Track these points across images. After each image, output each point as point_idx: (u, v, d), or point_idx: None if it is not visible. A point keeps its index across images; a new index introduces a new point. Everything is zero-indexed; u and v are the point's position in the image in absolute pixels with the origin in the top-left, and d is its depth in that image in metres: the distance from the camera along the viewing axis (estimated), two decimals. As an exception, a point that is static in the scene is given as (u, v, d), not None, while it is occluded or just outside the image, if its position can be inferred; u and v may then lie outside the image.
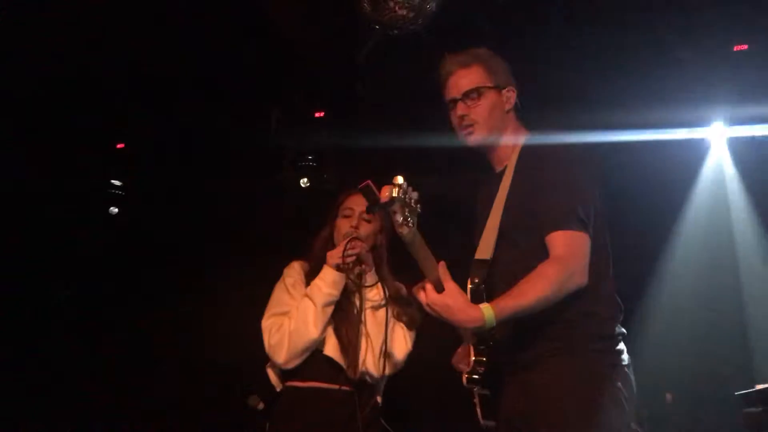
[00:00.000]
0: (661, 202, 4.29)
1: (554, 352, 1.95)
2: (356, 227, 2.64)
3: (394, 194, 1.70)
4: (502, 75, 2.20)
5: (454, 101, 2.18)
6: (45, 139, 4.59)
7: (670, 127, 4.17)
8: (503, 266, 2.05)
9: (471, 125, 2.16)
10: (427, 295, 1.88)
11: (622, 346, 2.01)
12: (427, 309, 1.90)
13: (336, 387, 2.54)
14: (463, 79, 2.17)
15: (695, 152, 4.39)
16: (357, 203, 2.68)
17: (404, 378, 2.73)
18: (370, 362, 2.55)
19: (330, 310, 2.56)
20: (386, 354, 2.53)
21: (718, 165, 4.36)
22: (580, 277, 1.90)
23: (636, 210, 3.98)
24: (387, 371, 2.57)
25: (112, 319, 4.87)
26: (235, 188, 4.75)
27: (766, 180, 4.24)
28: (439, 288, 1.88)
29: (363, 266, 2.59)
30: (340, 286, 2.58)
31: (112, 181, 5.04)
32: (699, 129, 4.30)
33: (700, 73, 3.93)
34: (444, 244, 2.06)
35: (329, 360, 2.55)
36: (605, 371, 1.93)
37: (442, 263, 1.90)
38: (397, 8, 2.96)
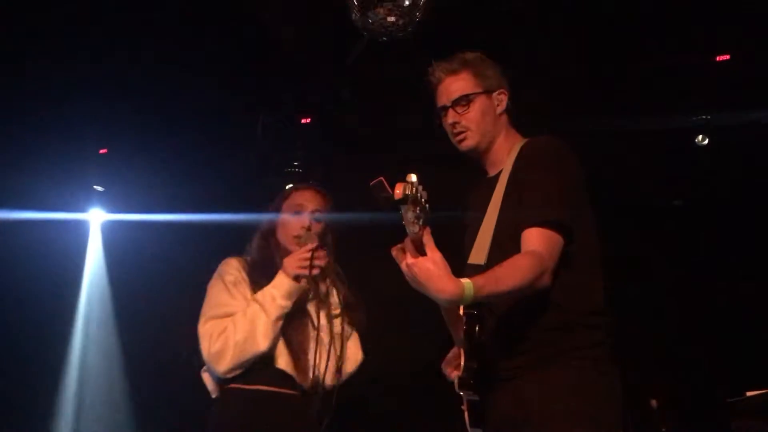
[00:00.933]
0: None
1: (544, 360, 1.93)
2: (309, 228, 2.43)
3: (408, 191, 1.66)
4: (492, 78, 2.18)
5: (445, 108, 2.17)
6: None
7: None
8: None
9: (463, 131, 2.15)
10: (408, 256, 1.76)
11: (610, 354, 2.00)
12: (405, 270, 1.76)
13: (288, 392, 2.35)
14: (452, 85, 2.16)
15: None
16: (308, 199, 2.50)
17: (353, 385, 2.60)
18: (326, 373, 2.39)
19: (281, 322, 2.35)
20: (342, 363, 2.38)
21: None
22: (548, 278, 1.87)
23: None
24: (342, 380, 2.40)
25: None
26: (221, 194, 4.72)
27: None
28: (420, 253, 1.77)
29: (326, 279, 2.42)
30: (295, 298, 2.37)
31: (95, 186, 5.01)
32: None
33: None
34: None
35: (281, 372, 2.36)
36: (595, 379, 1.92)
37: (427, 229, 1.77)
38: (386, 15, 2.96)
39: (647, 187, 4.16)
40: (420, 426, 4.28)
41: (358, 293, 2.61)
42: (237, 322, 2.33)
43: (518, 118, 2.23)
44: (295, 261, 2.37)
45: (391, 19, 2.96)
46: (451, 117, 2.16)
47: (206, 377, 2.44)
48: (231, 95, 4.43)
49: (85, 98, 4.34)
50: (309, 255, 2.35)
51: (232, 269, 2.47)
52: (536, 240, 1.90)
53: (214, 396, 2.44)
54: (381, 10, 2.94)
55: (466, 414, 2.10)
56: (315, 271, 2.35)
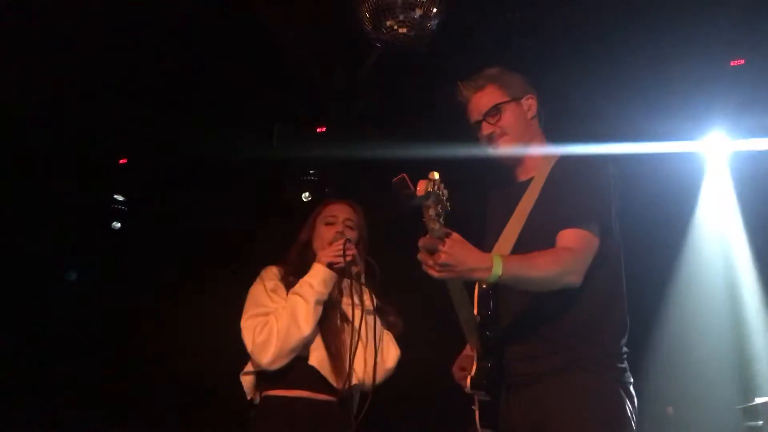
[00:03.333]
0: (664, 216, 4.28)
1: (564, 367, 1.95)
2: (342, 233, 2.56)
3: (430, 189, 1.70)
4: (518, 87, 2.24)
5: (478, 123, 2.23)
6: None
7: (669, 139, 4.15)
8: None
9: (500, 136, 2.20)
10: (440, 246, 1.78)
11: (626, 363, 2.02)
12: (441, 259, 1.78)
13: (324, 397, 2.41)
14: (481, 101, 2.22)
15: (694, 165, 4.40)
16: (340, 210, 2.65)
17: (389, 388, 2.64)
18: (361, 371, 2.46)
19: (320, 309, 2.45)
20: (379, 362, 2.44)
21: (718, 179, 4.36)
22: (577, 276, 1.91)
23: (639, 226, 3.98)
24: (378, 379, 2.46)
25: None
26: (238, 203, 4.78)
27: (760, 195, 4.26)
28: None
29: (359, 268, 2.52)
30: (330, 286, 2.48)
31: (115, 195, 5.08)
32: (697, 142, 4.26)
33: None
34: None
35: (314, 370, 2.42)
36: (614, 387, 1.95)
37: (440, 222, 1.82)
38: (397, 27, 3.00)
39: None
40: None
41: (391, 298, 2.70)
42: (278, 313, 2.45)
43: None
44: (329, 251, 2.51)
45: (403, 30, 3.00)
46: (485, 129, 2.21)
47: (245, 380, 2.53)
48: (248, 104, 4.49)
49: (105, 112, 4.38)
50: (341, 245, 2.48)
51: (272, 275, 2.59)
52: (570, 238, 1.94)
53: (249, 398, 2.53)
54: (392, 23, 2.98)
55: (476, 414, 2.11)
56: (348, 258, 2.46)
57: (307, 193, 4.77)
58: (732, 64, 3.91)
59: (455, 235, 1.81)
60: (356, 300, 2.54)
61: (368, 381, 2.46)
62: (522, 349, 2.01)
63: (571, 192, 2.01)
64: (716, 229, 4.32)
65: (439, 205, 1.73)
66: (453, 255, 1.79)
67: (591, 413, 1.89)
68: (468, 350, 2.19)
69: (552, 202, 2.05)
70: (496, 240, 2.12)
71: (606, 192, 2.03)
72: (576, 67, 3.88)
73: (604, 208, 2.00)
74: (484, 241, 2.19)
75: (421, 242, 1.81)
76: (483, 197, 2.35)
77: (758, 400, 2.37)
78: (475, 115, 2.23)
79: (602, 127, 3.70)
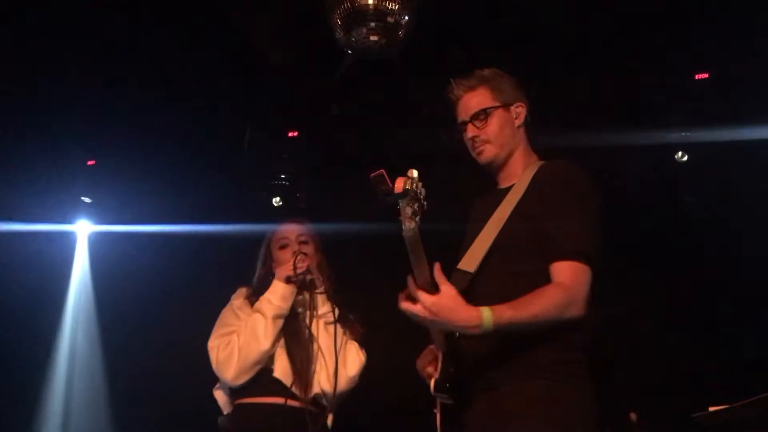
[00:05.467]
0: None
1: (520, 374, 1.96)
2: (298, 252, 2.64)
3: (408, 186, 1.69)
4: (510, 92, 2.23)
5: (465, 124, 2.23)
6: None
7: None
8: (490, 280, 2.04)
9: (482, 144, 2.20)
10: (423, 298, 1.83)
11: (586, 370, 2.03)
12: (424, 313, 1.83)
13: (295, 404, 2.50)
14: (471, 101, 2.22)
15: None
16: (289, 231, 2.75)
17: (356, 396, 2.72)
18: (324, 380, 2.53)
19: (280, 323, 2.55)
20: (339, 370, 2.50)
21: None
22: (577, 309, 1.91)
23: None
24: (342, 387, 2.53)
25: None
26: (207, 207, 4.74)
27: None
28: (430, 290, 1.85)
29: (309, 278, 2.60)
30: (290, 300, 2.57)
31: (82, 197, 5.02)
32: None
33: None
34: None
35: (279, 381, 2.53)
36: (574, 395, 1.96)
37: (438, 265, 1.87)
38: (368, 35, 3.01)
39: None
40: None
41: (353, 305, 2.78)
42: (239, 331, 2.57)
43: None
44: (284, 267, 2.61)
45: (374, 38, 3.02)
46: (470, 131, 2.21)
47: (218, 394, 2.65)
48: (218, 108, 4.46)
49: (73, 110, 4.36)
50: (293, 259, 2.59)
51: (240, 295, 2.72)
52: (565, 272, 1.94)
53: (225, 413, 2.63)
54: (364, 30, 2.99)
55: (438, 417, 2.12)
56: (300, 270, 2.56)
57: (278, 198, 4.76)
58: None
59: (443, 293, 1.82)
60: (320, 311, 2.62)
61: (329, 390, 2.52)
62: (485, 355, 2.01)
63: (558, 219, 1.99)
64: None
65: (416, 204, 1.72)
66: (437, 315, 1.82)
67: (547, 421, 1.90)
68: (434, 347, 2.18)
69: (533, 212, 2.04)
70: (469, 246, 2.13)
71: (593, 215, 2.02)
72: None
73: (592, 234, 1.99)
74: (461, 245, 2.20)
75: (403, 295, 1.85)
76: (466, 201, 2.36)
77: (712, 409, 2.42)
78: (462, 116, 2.23)
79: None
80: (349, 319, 2.71)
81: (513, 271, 2.02)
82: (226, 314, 2.68)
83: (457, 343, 2.02)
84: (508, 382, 1.97)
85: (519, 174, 2.17)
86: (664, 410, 3.85)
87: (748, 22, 3.59)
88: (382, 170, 1.72)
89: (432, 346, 2.17)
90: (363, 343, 2.69)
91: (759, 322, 3.88)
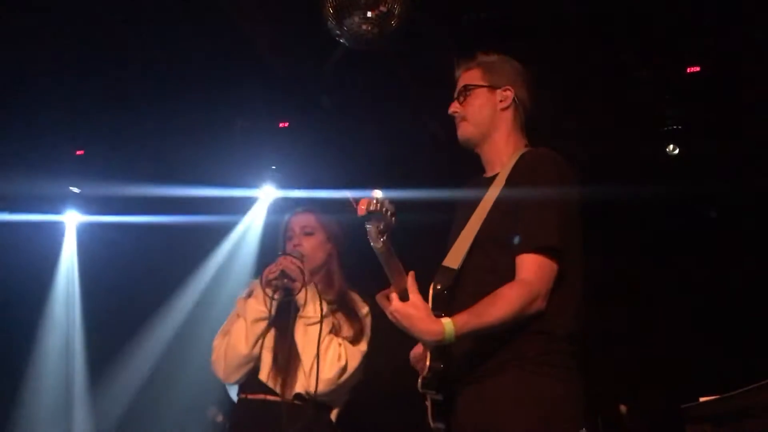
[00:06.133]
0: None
1: (508, 366, 1.96)
2: (298, 245, 2.63)
3: (372, 208, 1.74)
4: (503, 76, 2.19)
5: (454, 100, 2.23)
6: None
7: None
8: (472, 277, 2.04)
9: (460, 120, 2.20)
10: (392, 302, 1.90)
11: (570, 362, 2.02)
12: (390, 317, 1.91)
13: (283, 400, 2.50)
14: (463, 80, 2.22)
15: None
16: (295, 222, 2.72)
17: (365, 395, 2.70)
18: (302, 380, 2.51)
19: (261, 325, 2.55)
20: (317, 371, 2.46)
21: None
22: (540, 303, 1.92)
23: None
24: (320, 389, 2.47)
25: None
26: (197, 196, 4.71)
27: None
28: (405, 298, 1.90)
29: (285, 281, 2.53)
30: (270, 304, 2.54)
31: (71, 187, 4.98)
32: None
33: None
34: (411, 252, 2.07)
35: (264, 384, 2.54)
36: (558, 387, 1.95)
37: (412, 273, 1.92)
38: (360, 24, 2.98)
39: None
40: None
41: (355, 303, 2.70)
42: (230, 333, 2.61)
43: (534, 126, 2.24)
44: (268, 269, 2.57)
45: (366, 27, 2.99)
46: (451, 107, 2.21)
47: (228, 385, 2.67)
48: (209, 98, 4.43)
49: (61, 100, 4.33)
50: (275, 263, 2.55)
51: (247, 291, 2.70)
52: (528, 267, 1.93)
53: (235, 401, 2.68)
54: (356, 19, 2.96)
55: (429, 409, 2.12)
56: (272, 275, 2.52)
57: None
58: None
59: (411, 302, 1.88)
60: (304, 311, 2.57)
61: (309, 391, 2.50)
62: (469, 350, 2.01)
63: (528, 209, 1.97)
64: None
65: (382, 224, 1.77)
66: (401, 322, 1.89)
67: (531, 414, 1.90)
68: (420, 346, 2.16)
69: (509, 206, 2.02)
70: (454, 241, 2.11)
71: (564, 205, 1.99)
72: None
73: (560, 225, 1.96)
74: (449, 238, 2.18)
75: (383, 293, 1.94)
76: (461, 187, 2.30)
77: (702, 399, 2.42)
78: (455, 92, 2.24)
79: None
80: (351, 316, 2.64)
81: (494, 265, 2.01)
82: (232, 311, 2.70)
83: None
84: (494, 376, 1.97)
85: (504, 161, 2.14)
86: (653, 402, 3.87)
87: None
88: (350, 197, 1.80)
89: (420, 345, 2.16)
90: (362, 341, 2.62)
91: (751, 314, 3.90)
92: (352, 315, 2.64)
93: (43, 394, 4.86)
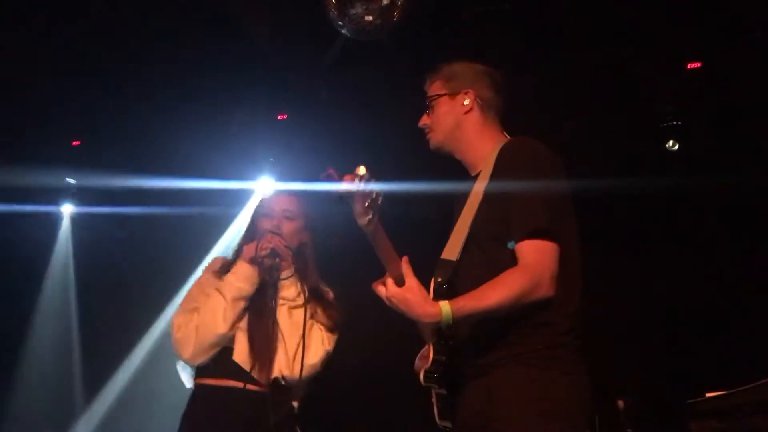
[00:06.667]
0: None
1: (512, 359, 1.95)
2: (278, 225, 2.53)
3: (356, 183, 1.72)
4: (461, 81, 2.22)
5: None
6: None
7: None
8: (469, 269, 2.05)
9: (429, 132, 2.24)
10: (387, 288, 1.89)
11: (576, 355, 2.02)
12: (387, 302, 1.91)
13: (255, 388, 2.40)
14: (427, 92, 2.26)
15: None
16: (276, 203, 2.62)
17: (326, 384, 2.64)
18: (284, 364, 2.42)
19: (241, 304, 2.44)
20: (302, 356, 2.40)
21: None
22: (546, 289, 1.90)
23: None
24: (304, 374, 2.41)
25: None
26: (194, 188, 4.69)
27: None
28: (401, 283, 1.89)
29: (277, 260, 2.46)
30: (253, 281, 2.46)
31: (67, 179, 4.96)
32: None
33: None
34: (408, 244, 2.04)
35: (238, 366, 2.42)
36: (558, 379, 1.94)
37: (405, 258, 1.90)
38: (363, 14, 2.96)
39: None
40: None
41: (333, 289, 2.65)
42: (200, 310, 2.46)
43: (510, 118, 2.25)
44: (251, 246, 2.49)
45: (369, 18, 2.97)
46: (421, 121, 2.25)
47: (180, 369, 2.54)
48: (207, 89, 4.41)
49: (58, 91, 4.30)
50: (260, 239, 2.47)
51: (212, 267, 2.60)
52: (525, 253, 1.93)
53: (189, 387, 2.53)
54: (359, 9, 2.94)
55: (434, 407, 2.12)
56: (263, 252, 2.44)
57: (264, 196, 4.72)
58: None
59: (406, 286, 1.87)
60: (287, 294, 2.50)
61: (290, 375, 2.42)
62: (474, 343, 2.01)
63: (515, 199, 1.98)
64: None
65: (367, 201, 1.74)
66: (397, 306, 1.88)
67: (533, 408, 1.89)
68: (427, 346, 2.16)
69: (497, 197, 2.03)
70: (449, 238, 2.13)
71: (548, 189, 1.99)
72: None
73: (548, 207, 1.96)
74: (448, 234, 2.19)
75: (375, 285, 1.92)
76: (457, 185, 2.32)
77: (709, 395, 2.41)
78: None
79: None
80: (325, 304, 2.57)
81: (489, 258, 2.01)
82: (194, 288, 2.56)
83: (446, 332, 2.01)
84: (496, 369, 1.96)
85: (484, 159, 2.15)
86: (651, 397, 3.87)
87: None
88: (331, 169, 1.76)
89: (427, 346, 2.16)
90: (337, 330, 2.56)
91: (753, 309, 3.90)
92: (324, 303, 2.59)
93: (39, 386, 4.84)
